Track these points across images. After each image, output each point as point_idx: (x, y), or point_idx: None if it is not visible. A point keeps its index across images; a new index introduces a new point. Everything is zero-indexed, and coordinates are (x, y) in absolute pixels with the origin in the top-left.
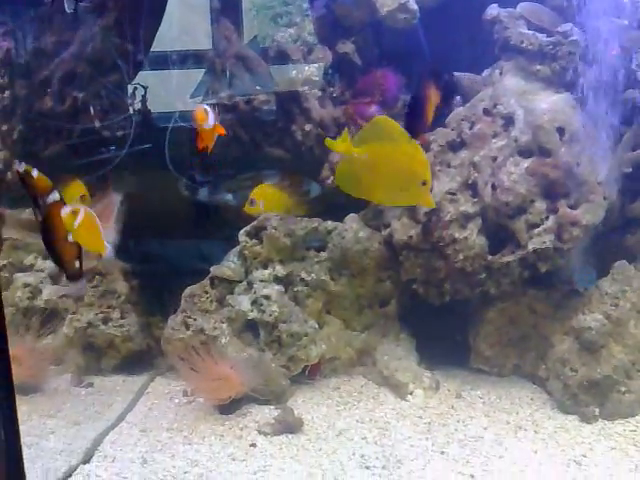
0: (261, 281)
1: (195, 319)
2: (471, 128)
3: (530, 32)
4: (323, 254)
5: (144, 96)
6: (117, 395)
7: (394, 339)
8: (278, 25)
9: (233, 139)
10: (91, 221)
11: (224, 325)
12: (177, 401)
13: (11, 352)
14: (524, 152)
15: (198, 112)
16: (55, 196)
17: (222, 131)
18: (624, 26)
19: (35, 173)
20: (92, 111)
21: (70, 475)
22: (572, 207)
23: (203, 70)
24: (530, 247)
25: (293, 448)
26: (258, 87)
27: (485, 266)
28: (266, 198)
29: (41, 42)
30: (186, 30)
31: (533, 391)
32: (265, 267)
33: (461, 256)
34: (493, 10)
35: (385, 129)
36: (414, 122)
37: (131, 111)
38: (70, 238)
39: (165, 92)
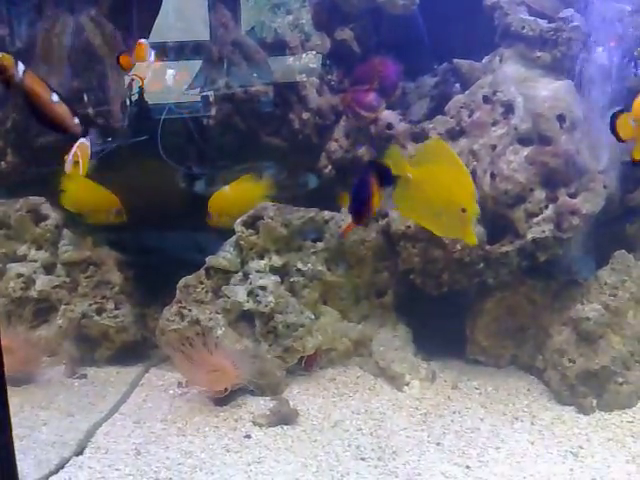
0: (257, 271)
1: (190, 310)
2: (470, 116)
3: (531, 18)
4: (320, 244)
5: (140, 87)
6: (111, 386)
7: (391, 330)
8: (276, 15)
9: (230, 128)
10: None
11: (219, 316)
12: (171, 392)
13: (3, 343)
14: (524, 140)
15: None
16: (21, 66)
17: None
18: (626, 11)
19: None
20: (87, 100)
21: (63, 467)
22: (572, 196)
23: (201, 60)
24: (529, 236)
25: (288, 439)
26: (256, 76)
27: (483, 256)
28: (220, 210)
29: (36, 30)
30: (184, 20)
31: (530, 382)
32: (261, 257)
33: (459, 246)
34: None
35: (437, 151)
36: (358, 210)
37: (127, 102)
38: (55, 99)
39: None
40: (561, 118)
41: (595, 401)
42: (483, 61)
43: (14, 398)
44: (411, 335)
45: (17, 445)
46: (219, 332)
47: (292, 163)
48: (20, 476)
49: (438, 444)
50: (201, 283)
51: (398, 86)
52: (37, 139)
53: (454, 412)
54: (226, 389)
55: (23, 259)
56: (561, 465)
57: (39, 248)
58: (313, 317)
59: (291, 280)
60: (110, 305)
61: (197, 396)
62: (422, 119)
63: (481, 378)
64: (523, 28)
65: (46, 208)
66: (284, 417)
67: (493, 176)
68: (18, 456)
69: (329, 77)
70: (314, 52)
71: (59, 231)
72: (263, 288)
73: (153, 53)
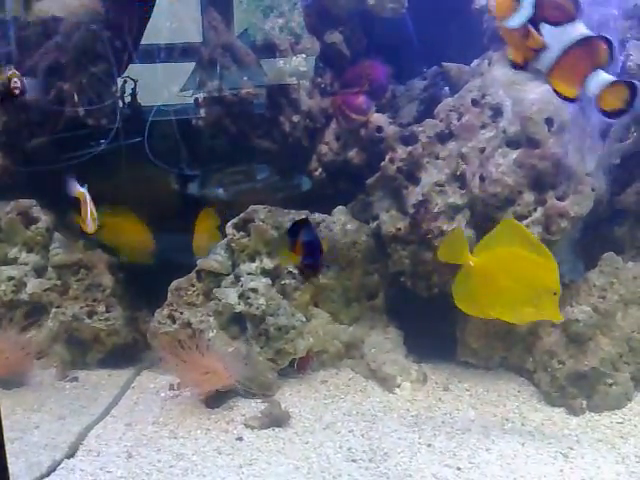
0: (248, 274)
1: (181, 312)
2: (459, 119)
3: None
4: None
5: (134, 89)
6: (102, 389)
7: (382, 332)
8: (268, 18)
9: (221, 131)
10: None
11: (211, 318)
12: (163, 395)
13: None
14: (512, 143)
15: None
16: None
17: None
18: (613, 16)
19: None
20: (78, 102)
21: (54, 470)
22: (560, 198)
23: (193, 63)
24: None
25: (280, 442)
26: (247, 79)
27: None
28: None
29: (26, 31)
30: (177, 23)
31: (520, 384)
32: (252, 260)
33: None
34: None
35: (508, 233)
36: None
37: (120, 104)
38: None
39: (155, 85)
40: (549, 121)
41: (585, 402)
42: (472, 64)
43: (5, 401)
44: (402, 337)
45: (8, 448)
46: (211, 334)
47: (283, 166)
48: (11, 479)
49: (429, 445)
50: (192, 286)
51: (388, 89)
52: (28, 141)
53: (445, 414)
54: (217, 391)
55: (14, 262)
56: (551, 466)
57: (30, 251)
58: (304, 319)
59: (282, 282)
60: (101, 308)
61: (189, 398)
62: (412, 122)
63: (472, 380)
64: None
65: (37, 211)
66: (276, 419)
67: (482, 179)
68: (9, 459)
69: (319, 80)
70: (304, 55)
71: (50, 234)
72: (254, 290)
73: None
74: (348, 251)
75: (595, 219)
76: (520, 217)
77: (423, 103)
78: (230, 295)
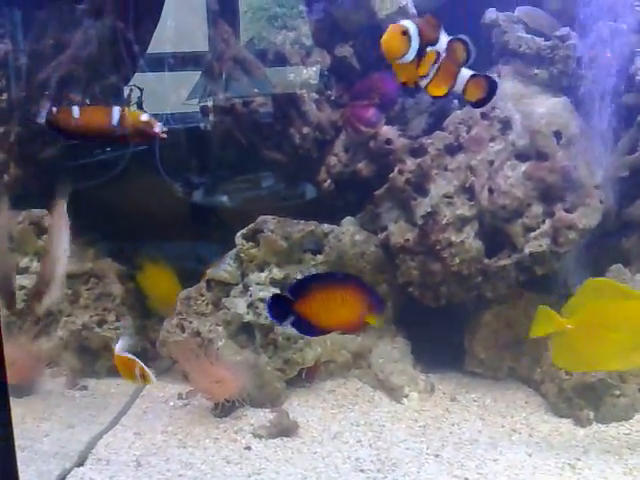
0: (257, 284)
1: (191, 322)
2: (468, 132)
3: (528, 36)
4: (320, 257)
5: (140, 98)
6: (111, 398)
7: (390, 342)
8: (273, 27)
9: (230, 142)
10: None
11: (220, 328)
12: (172, 404)
13: (5, 354)
14: (521, 156)
15: None
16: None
17: None
18: (622, 30)
19: None
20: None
21: (64, 478)
22: (568, 211)
23: (199, 72)
24: (526, 250)
25: (288, 451)
26: (255, 90)
27: (481, 269)
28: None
29: (38, 44)
30: (183, 32)
31: (528, 394)
32: (261, 270)
33: (457, 259)
34: (491, 14)
35: (601, 289)
36: None
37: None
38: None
39: (162, 94)
40: (558, 134)
41: (592, 413)
42: None
43: (16, 409)
44: (410, 347)
45: (19, 456)
46: (219, 344)
47: (292, 177)
48: None
49: (437, 456)
50: (202, 295)
51: (397, 102)
52: (40, 152)
53: (453, 424)
54: (227, 401)
55: (25, 271)
56: (558, 477)
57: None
58: None
59: None
60: (111, 317)
61: (197, 407)
62: (421, 134)
63: (479, 390)
64: (520, 46)
65: (48, 221)
66: (284, 429)
67: (491, 191)
68: (20, 467)
69: (329, 92)
70: (314, 68)
71: None
72: (263, 300)
73: None
74: (357, 262)
75: (603, 231)
76: (529, 229)
77: (432, 116)
78: (239, 305)
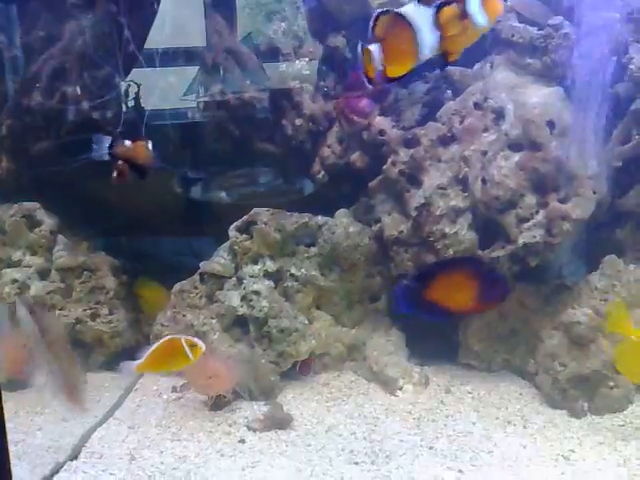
0: (251, 276)
1: (184, 315)
2: (462, 122)
3: (521, 25)
4: (313, 249)
5: (137, 93)
6: (105, 391)
7: (384, 334)
8: (272, 22)
9: (224, 134)
10: None
11: (214, 321)
12: (166, 397)
13: None
14: (514, 146)
15: None
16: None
17: None
18: (615, 19)
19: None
20: (82, 106)
21: (57, 472)
22: (562, 201)
23: (197, 67)
24: (520, 241)
25: (282, 444)
26: (250, 83)
27: None
28: None
29: (30, 37)
30: (180, 27)
31: (522, 386)
32: (255, 262)
33: (451, 251)
34: None
35: None
36: None
37: (124, 108)
38: None
39: (158, 89)
40: (551, 124)
41: (586, 405)
42: (474, 68)
43: (8, 403)
44: (404, 340)
45: (12, 450)
46: (213, 337)
47: (286, 168)
48: None
49: (431, 448)
50: (195, 288)
51: (390, 92)
52: (32, 145)
53: (447, 416)
54: (221, 395)
55: (18, 265)
56: (553, 468)
57: (34, 254)
58: (307, 322)
59: (285, 285)
60: (104, 310)
61: (191, 401)
62: (414, 125)
63: (473, 382)
64: (513, 35)
65: (41, 214)
66: (278, 422)
67: (484, 182)
68: (13, 461)
69: (322, 83)
70: (307, 59)
71: (54, 237)
72: (257, 293)
73: None
74: (350, 254)
75: (597, 222)
76: (522, 220)
77: (425, 106)
78: (233, 298)
